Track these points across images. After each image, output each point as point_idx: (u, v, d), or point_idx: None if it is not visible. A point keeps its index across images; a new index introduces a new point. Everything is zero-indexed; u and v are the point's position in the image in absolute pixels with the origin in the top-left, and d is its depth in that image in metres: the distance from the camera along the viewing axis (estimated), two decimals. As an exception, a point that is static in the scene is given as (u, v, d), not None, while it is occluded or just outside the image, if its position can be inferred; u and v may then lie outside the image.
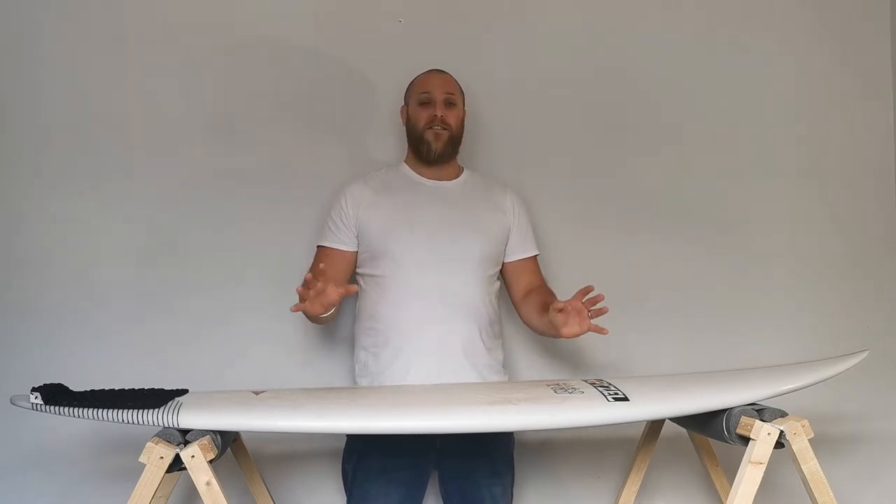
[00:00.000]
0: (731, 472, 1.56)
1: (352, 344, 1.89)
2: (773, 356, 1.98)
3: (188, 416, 1.36)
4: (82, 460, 1.99)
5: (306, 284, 1.56)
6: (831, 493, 1.44)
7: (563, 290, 1.84)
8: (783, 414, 1.45)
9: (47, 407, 1.36)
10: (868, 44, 2.39)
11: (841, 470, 2.00)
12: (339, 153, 2.14)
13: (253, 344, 2.05)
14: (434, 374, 1.70)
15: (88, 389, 1.42)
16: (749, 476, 1.39)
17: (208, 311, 2.05)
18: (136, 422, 1.36)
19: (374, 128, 2.15)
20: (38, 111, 2.05)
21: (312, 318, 1.74)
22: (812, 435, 1.42)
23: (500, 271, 1.91)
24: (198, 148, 2.10)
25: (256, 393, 1.50)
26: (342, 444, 1.84)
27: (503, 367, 1.86)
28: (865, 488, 2.26)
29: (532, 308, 1.84)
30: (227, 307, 2.06)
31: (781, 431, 1.40)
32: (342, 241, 1.82)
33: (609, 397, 1.47)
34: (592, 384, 1.55)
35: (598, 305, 1.62)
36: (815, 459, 1.43)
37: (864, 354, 1.63)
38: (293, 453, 2.07)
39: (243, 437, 1.79)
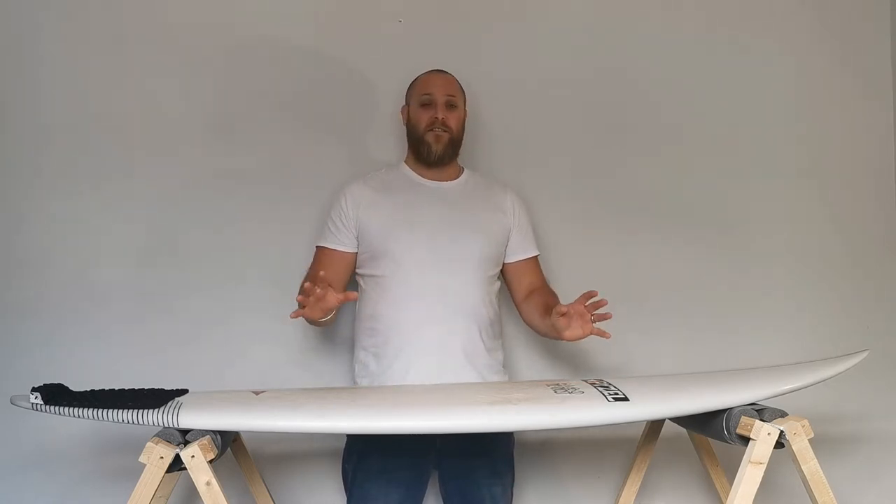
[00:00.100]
0: (731, 472, 1.56)
1: (352, 344, 1.89)
2: (773, 356, 1.98)
3: (188, 416, 1.36)
4: (82, 460, 1.99)
5: (305, 293, 1.56)
6: (831, 493, 1.44)
7: (564, 290, 1.84)
8: (783, 414, 1.45)
9: (47, 407, 1.36)
10: (868, 44, 2.39)
11: (841, 470, 2.00)
12: (339, 153, 2.13)
13: (253, 344, 2.05)
14: (434, 375, 1.70)
15: (88, 389, 1.42)
16: (749, 476, 1.39)
17: (208, 311, 2.05)
18: (136, 422, 1.36)
19: (374, 128, 2.15)
20: (38, 111, 2.05)
21: (312, 322, 1.74)
22: (812, 435, 1.42)
23: (501, 272, 1.91)
24: (198, 148, 2.10)
25: (256, 393, 1.50)
26: (342, 444, 1.84)
27: (503, 367, 1.86)
28: (865, 488, 2.27)
29: (534, 309, 1.84)
30: (227, 307, 2.06)
31: (781, 431, 1.40)
32: (342, 242, 1.82)
33: (609, 397, 1.47)
34: (592, 384, 1.55)
35: (602, 310, 1.62)
36: (815, 459, 1.43)
37: (864, 354, 1.63)
38: (293, 453, 2.07)
39: (243, 437, 1.79)
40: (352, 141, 2.15)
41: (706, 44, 2.31)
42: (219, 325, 2.05)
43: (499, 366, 1.83)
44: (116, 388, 1.44)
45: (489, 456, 1.80)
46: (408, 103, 1.92)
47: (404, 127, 1.92)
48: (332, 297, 1.57)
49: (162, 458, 1.32)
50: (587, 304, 1.62)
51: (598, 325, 1.63)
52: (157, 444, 1.33)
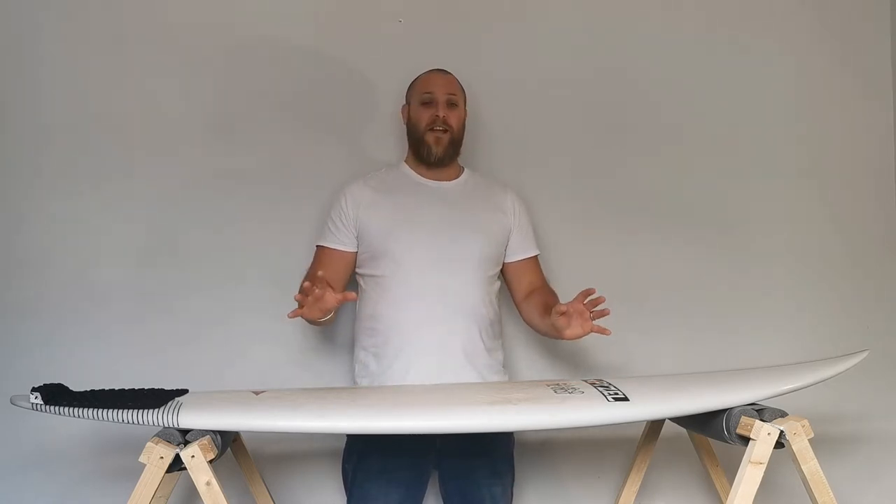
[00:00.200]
0: (731, 472, 1.56)
1: (352, 344, 1.89)
2: (773, 356, 1.98)
3: (188, 416, 1.36)
4: (82, 460, 1.99)
5: (304, 292, 1.56)
6: (831, 493, 1.44)
7: (564, 290, 1.84)
8: (783, 414, 1.45)
9: (47, 407, 1.36)
10: (868, 44, 2.39)
11: (841, 470, 2.00)
12: (339, 153, 2.13)
13: (253, 344, 2.05)
14: (434, 375, 1.70)
15: (88, 389, 1.42)
16: (749, 476, 1.39)
17: (208, 311, 2.05)
18: (136, 422, 1.36)
19: (373, 128, 2.15)
20: (38, 111, 2.05)
21: (311, 322, 1.74)
22: (812, 435, 1.42)
23: (502, 272, 1.91)
24: (198, 148, 2.10)
25: (256, 393, 1.50)
26: (342, 444, 1.84)
27: (503, 367, 1.85)
28: (865, 488, 2.27)
29: (534, 309, 1.84)
30: (227, 307, 2.06)
31: (781, 431, 1.40)
32: (342, 242, 1.82)
33: (609, 397, 1.47)
34: (592, 384, 1.55)
35: (600, 307, 1.62)
36: (815, 459, 1.43)
37: (864, 354, 1.63)
38: (293, 453, 2.07)
39: (243, 437, 1.79)
40: (352, 141, 2.15)
41: (706, 44, 2.31)
42: (219, 325, 2.05)
43: (499, 366, 1.83)
44: (116, 388, 1.44)
45: (489, 456, 1.80)
46: (408, 102, 1.92)
47: (404, 126, 1.92)
48: (331, 298, 1.57)
49: (162, 458, 1.32)
50: (586, 301, 1.62)
51: (597, 322, 1.64)
52: (157, 444, 1.33)
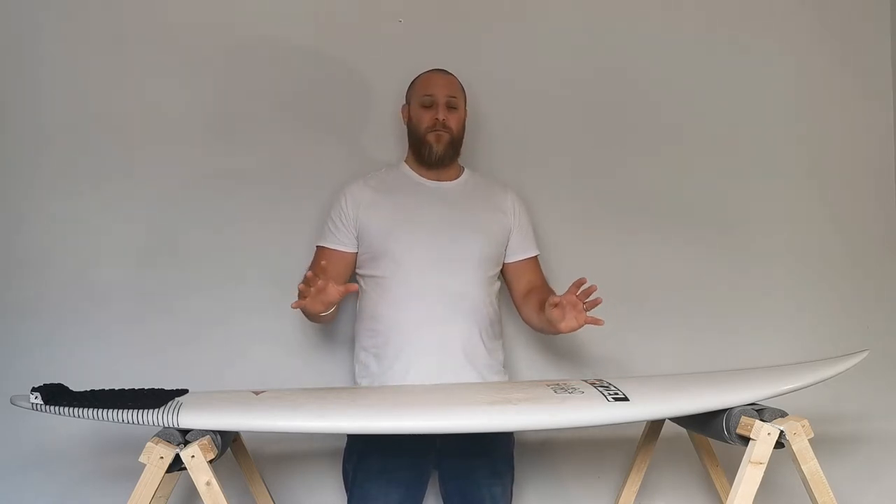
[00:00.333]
0: (731, 472, 1.56)
1: (352, 344, 1.89)
2: (773, 356, 1.98)
3: (188, 416, 1.36)
4: (82, 460, 1.99)
5: (307, 282, 1.56)
6: (831, 493, 1.44)
7: (564, 290, 1.83)
8: (783, 414, 1.45)
9: (47, 407, 1.36)
10: (868, 44, 2.39)
11: (841, 470, 2.00)
12: (339, 153, 2.13)
13: (253, 344, 2.05)
14: (434, 375, 1.70)
15: (88, 389, 1.42)
16: (749, 476, 1.39)
17: (208, 311, 2.05)
18: (136, 422, 1.36)
19: (373, 128, 2.15)
20: (38, 111, 2.05)
21: (312, 317, 1.75)
22: (812, 435, 1.42)
23: (501, 272, 1.91)
24: (198, 148, 2.10)
25: (256, 393, 1.50)
26: (342, 444, 1.84)
27: (503, 367, 1.85)
28: (865, 488, 2.27)
29: (532, 308, 1.84)
30: (227, 307, 2.06)
31: (781, 431, 1.40)
32: (342, 242, 1.82)
33: (609, 397, 1.47)
34: (592, 384, 1.55)
35: (592, 296, 1.61)
36: (815, 459, 1.43)
37: (864, 354, 1.63)
38: (293, 453, 2.07)
39: (243, 437, 1.79)
40: (352, 141, 2.15)
41: (706, 44, 2.31)
42: (219, 325, 2.05)
43: (499, 366, 1.83)
44: (116, 388, 1.44)
45: (489, 456, 1.80)
46: (408, 103, 1.92)
47: (404, 126, 1.92)
48: (334, 290, 1.58)
49: (162, 458, 1.32)
50: (578, 292, 1.61)
51: (591, 312, 1.63)
52: (157, 444, 1.33)
